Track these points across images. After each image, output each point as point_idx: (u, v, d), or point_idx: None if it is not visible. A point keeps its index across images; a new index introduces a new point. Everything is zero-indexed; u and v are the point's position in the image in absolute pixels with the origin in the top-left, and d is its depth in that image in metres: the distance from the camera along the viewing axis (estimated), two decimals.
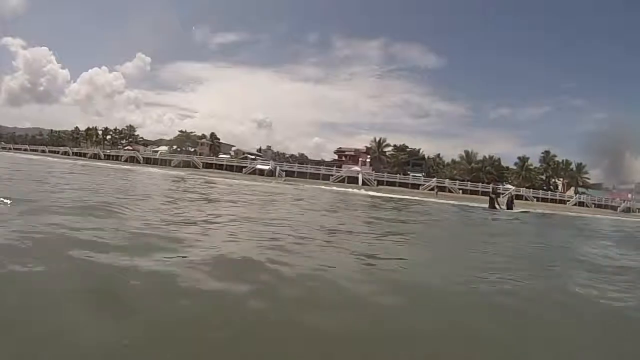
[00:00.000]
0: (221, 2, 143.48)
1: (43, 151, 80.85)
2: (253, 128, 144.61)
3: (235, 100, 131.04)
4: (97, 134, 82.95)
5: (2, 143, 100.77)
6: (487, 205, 20.18)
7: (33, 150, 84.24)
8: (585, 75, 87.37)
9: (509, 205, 20.40)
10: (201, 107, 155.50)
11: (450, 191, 54.94)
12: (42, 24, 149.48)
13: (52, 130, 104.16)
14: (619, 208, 52.04)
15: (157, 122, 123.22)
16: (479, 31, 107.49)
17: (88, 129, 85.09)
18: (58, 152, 77.54)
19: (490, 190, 21.43)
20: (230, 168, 54.49)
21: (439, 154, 68.80)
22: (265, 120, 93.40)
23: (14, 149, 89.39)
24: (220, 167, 55.60)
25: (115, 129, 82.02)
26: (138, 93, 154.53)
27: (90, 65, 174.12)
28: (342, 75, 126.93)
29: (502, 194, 21.37)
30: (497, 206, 19.87)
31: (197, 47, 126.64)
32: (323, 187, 41.19)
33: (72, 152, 76.36)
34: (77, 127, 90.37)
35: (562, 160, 67.03)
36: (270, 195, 17.48)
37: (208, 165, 56.40)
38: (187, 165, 57.29)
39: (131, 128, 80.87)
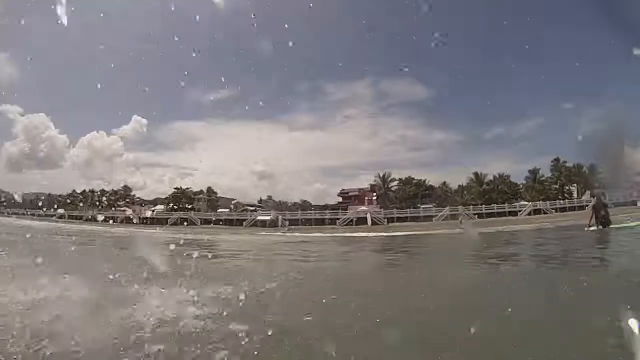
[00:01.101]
0: (211, 62, 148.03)
1: (40, 215, 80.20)
2: (254, 181, 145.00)
3: (234, 155, 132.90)
4: (93, 196, 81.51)
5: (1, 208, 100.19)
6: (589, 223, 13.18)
7: (31, 214, 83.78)
8: (571, 78, 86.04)
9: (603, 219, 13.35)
10: (200, 164, 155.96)
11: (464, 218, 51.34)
12: (38, 91, 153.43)
13: (49, 194, 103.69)
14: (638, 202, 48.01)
15: (158, 182, 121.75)
16: (460, 56, 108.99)
17: (84, 192, 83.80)
18: (54, 217, 76.82)
19: (594, 200, 13.88)
20: (230, 222, 51.32)
21: (444, 182, 65.80)
22: (265, 171, 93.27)
23: (13, 214, 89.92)
24: (218, 222, 52.49)
25: (112, 191, 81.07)
26: (137, 155, 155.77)
27: (88, 130, 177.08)
28: (337, 119, 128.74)
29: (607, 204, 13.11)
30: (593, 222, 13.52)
31: (191, 105, 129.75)
32: (329, 233, 37.83)
33: (68, 216, 74.88)
34: (74, 190, 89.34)
35: (574, 165, 64.34)
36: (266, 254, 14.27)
37: (206, 222, 53.32)
38: (183, 222, 54.33)
39: (127, 189, 79.17)
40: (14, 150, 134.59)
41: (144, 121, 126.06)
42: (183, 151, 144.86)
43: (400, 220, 50.03)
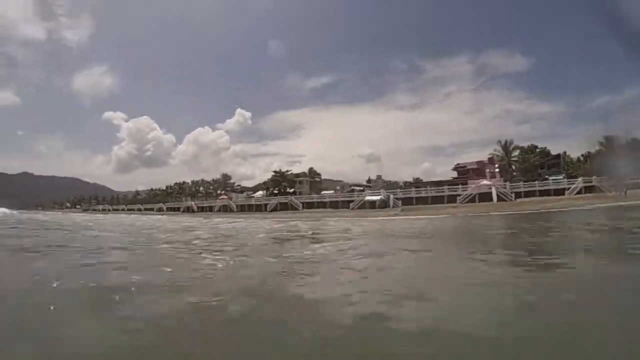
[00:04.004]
0: (306, 49, 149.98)
1: (139, 209, 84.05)
2: (361, 163, 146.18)
3: (338, 139, 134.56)
4: (189, 187, 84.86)
5: (104, 205, 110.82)
6: None
7: (130, 209, 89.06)
8: None
9: None
10: (307, 151, 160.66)
11: (601, 190, 42.76)
12: (139, 97, 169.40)
13: (151, 189, 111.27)
14: None
15: (266, 171, 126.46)
16: (557, 24, 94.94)
17: (178, 182, 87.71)
18: (153, 209, 79.12)
19: None
20: (335, 205, 49.07)
21: (565, 152, 56.23)
22: (373, 153, 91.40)
23: (113, 209, 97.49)
24: (322, 205, 50.55)
25: (213, 179, 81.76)
26: (243, 146, 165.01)
27: (193, 127, 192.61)
28: (437, 97, 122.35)
29: None
30: None
31: (291, 95, 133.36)
32: (451, 211, 33.26)
33: (166, 208, 76.89)
34: (169, 184, 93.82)
35: None
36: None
37: (309, 205, 51.79)
38: (284, 207, 53.47)
39: (226, 177, 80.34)
40: (122, 152, 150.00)
41: (248, 113, 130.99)
42: (288, 139, 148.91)
43: (527, 194, 43.32)
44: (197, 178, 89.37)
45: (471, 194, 42.48)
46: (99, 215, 66.44)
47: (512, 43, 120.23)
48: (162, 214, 63.88)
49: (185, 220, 39.85)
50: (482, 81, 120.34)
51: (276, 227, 24.18)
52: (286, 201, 54.62)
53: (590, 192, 42.14)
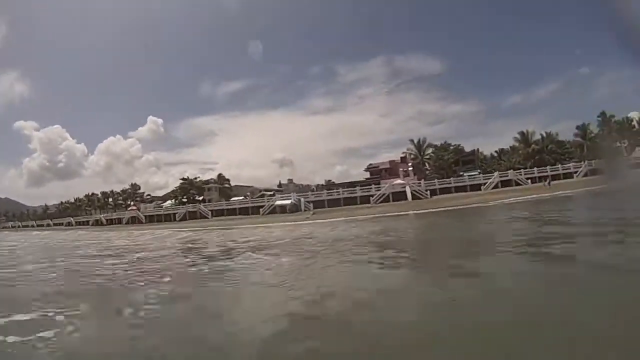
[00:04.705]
0: (220, 55, 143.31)
1: (48, 225, 79.05)
2: (275, 169, 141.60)
3: (253, 145, 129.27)
4: (98, 199, 76.00)
5: (13, 222, 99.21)
6: None
7: (39, 225, 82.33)
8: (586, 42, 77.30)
9: None
10: (220, 158, 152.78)
11: (517, 184, 42.96)
12: (50, 104, 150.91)
13: (61, 202, 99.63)
14: None
15: (179, 180, 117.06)
16: (471, 26, 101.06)
17: (87, 195, 78.45)
18: (62, 224, 74.40)
19: None
20: (245, 211, 44.28)
21: (477, 149, 56.88)
22: (285, 158, 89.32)
23: (23, 226, 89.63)
24: (232, 212, 45.54)
25: (122, 190, 75.36)
26: (157, 155, 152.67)
27: (104, 136, 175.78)
28: (352, 100, 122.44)
29: None
30: None
31: (204, 101, 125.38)
32: (370, 214, 30.23)
33: (76, 222, 71.90)
34: (78, 197, 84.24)
35: (623, 119, 56.30)
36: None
37: (218, 213, 46.49)
38: (193, 216, 47.75)
39: (135, 187, 73.07)
40: (33, 165, 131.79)
41: (159, 120, 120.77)
42: (201, 147, 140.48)
43: (443, 191, 42.01)
44: (112, 189, 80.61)
45: (384, 193, 40.11)
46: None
47: (426, 47, 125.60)
48: (70, 229, 56.44)
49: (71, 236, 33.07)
50: (396, 83, 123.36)
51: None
52: (195, 210, 48.87)
53: (507, 187, 42.07)
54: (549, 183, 33.90)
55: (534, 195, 28.65)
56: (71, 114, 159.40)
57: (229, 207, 46.56)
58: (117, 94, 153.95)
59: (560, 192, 28.86)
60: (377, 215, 28.43)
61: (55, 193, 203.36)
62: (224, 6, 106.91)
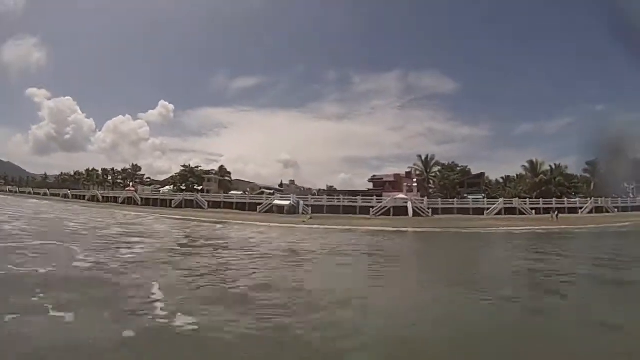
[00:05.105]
0: (238, 48, 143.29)
1: (45, 194, 78.77)
2: (279, 168, 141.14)
3: (260, 142, 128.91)
4: (98, 175, 75.53)
5: (11, 187, 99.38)
6: None
7: (36, 193, 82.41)
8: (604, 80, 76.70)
9: None
10: (226, 151, 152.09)
11: (521, 212, 42.01)
12: (64, 75, 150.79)
13: (61, 173, 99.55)
14: None
15: (181, 167, 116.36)
16: (490, 51, 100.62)
17: (88, 170, 77.97)
18: (58, 195, 74.46)
19: None
20: (242, 206, 43.48)
21: (483, 173, 55.85)
22: (290, 160, 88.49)
23: (19, 192, 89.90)
24: (230, 205, 44.75)
25: (123, 169, 75.02)
26: (163, 140, 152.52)
27: (114, 114, 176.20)
28: (364, 110, 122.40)
29: None
30: None
31: (218, 92, 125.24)
32: (368, 226, 29.32)
33: (72, 195, 71.63)
34: (78, 171, 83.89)
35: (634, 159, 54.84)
36: None
37: (215, 204, 45.71)
38: (190, 205, 47.01)
39: (136, 168, 72.53)
40: (40, 133, 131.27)
41: (171, 106, 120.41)
42: (209, 137, 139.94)
43: (445, 211, 41.09)
44: (113, 167, 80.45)
45: (385, 206, 39.22)
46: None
47: (442, 66, 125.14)
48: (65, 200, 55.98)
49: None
50: (409, 99, 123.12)
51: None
52: (192, 198, 48.15)
53: (511, 214, 41.07)
54: (556, 216, 32.99)
55: (543, 227, 27.76)
56: (84, 87, 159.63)
57: (227, 200, 45.75)
58: (132, 74, 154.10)
59: (571, 226, 28.03)
60: (375, 228, 27.55)
61: (58, 164, 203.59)
62: (249, 2, 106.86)
